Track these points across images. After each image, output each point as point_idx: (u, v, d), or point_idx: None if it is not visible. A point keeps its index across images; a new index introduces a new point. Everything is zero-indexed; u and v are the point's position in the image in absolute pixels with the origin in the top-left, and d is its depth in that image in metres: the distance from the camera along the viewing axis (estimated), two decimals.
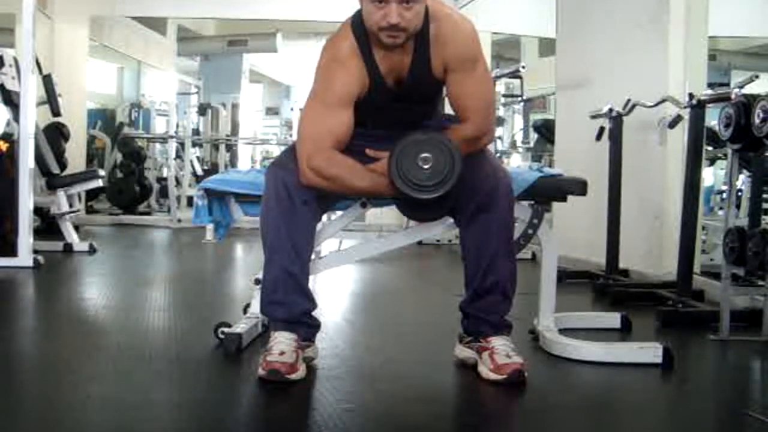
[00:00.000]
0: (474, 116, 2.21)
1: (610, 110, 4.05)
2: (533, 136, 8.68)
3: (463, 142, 2.20)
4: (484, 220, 2.16)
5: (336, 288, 3.92)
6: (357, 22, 2.15)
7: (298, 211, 2.14)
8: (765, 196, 4.02)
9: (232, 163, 10.69)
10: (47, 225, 5.74)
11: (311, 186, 2.14)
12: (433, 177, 2.05)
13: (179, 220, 7.26)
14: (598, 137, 4.18)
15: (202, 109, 10.58)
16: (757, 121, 2.62)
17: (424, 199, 2.07)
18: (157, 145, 9.21)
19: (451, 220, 2.33)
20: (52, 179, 5.30)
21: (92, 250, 5.04)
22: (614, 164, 4.02)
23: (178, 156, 8.65)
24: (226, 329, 2.46)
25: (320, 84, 2.18)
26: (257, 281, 2.42)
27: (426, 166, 2.05)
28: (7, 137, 4.63)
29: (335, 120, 2.14)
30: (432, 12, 2.14)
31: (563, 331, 2.56)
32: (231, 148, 10.79)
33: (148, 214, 8.57)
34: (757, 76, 3.12)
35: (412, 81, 2.20)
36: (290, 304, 2.18)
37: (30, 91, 4.37)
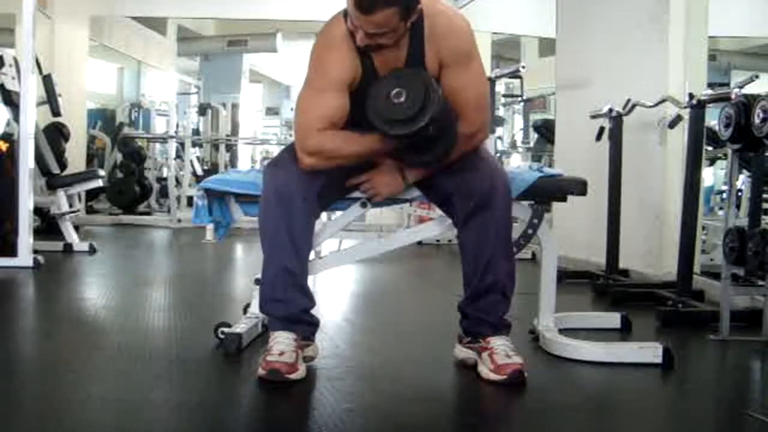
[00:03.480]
0: (468, 112, 2.20)
1: (610, 110, 4.05)
2: (533, 136, 8.69)
3: (458, 139, 2.20)
4: (482, 219, 2.16)
5: (336, 288, 3.92)
6: None
7: (297, 208, 2.14)
8: (765, 196, 4.02)
9: (232, 163, 10.69)
10: (47, 225, 5.74)
11: (313, 169, 2.14)
12: (410, 108, 2.04)
13: (179, 220, 7.26)
14: (598, 137, 4.18)
15: (202, 109, 10.58)
16: (757, 121, 2.62)
17: (411, 132, 2.06)
18: (157, 145, 9.20)
19: (451, 221, 2.33)
20: (52, 179, 5.29)
21: (92, 250, 5.04)
22: (614, 164, 4.02)
23: (178, 156, 8.64)
24: (226, 329, 2.46)
25: (312, 71, 2.19)
26: (257, 281, 2.42)
27: (400, 100, 2.04)
28: (7, 137, 4.63)
29: (327, 104, 2.15)
30: (426, 8, 2.13)
31: (563, 331, 2.56)
32: (231, 148, 10.79)
33: (148, 214, 8.56)
34: (757, 76, 3.12)
35: None
36: (289, 302, 2.18)
37: (30, 91, 4.37)
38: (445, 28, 2.16)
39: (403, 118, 2.05)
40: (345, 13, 2.14)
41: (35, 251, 4.31)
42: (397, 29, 2.07)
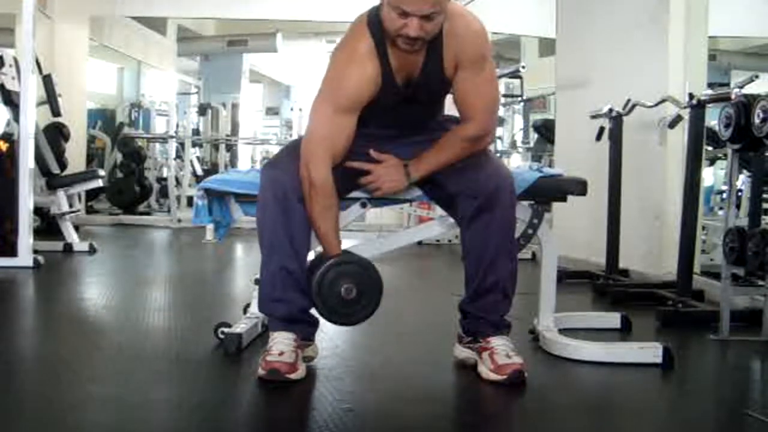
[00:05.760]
0: (478, 115, 2.21)
1: (610, 110, 4.05)
2: (533, 136, 8.69)
3: (465, 142, 2.20)
4: (486, 219, 2.16)
5: None
6: (374, 22, 2.11)
7: (295, 208, 2.13)
8: (765, 196, 4.02)
9: (232, 163, 10.69)
10: (47, 225, 5.74)
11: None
12: (358, 306, 2.16)
13: (179, 220, 7.26)
14: (598, 137, 4.18)
15: (202, 109, 10.58)
16: (757, 121, 2.62)
17: (348, 323, 2.23)
18: (157, 145, 9.20)
19: (451, 220, 2.33)
20: (52, 179, 5.30)
21: (92, 250, 5.04)
22: (614, 164, 4.02)
23: (178, 156, 8.64)
24: (226, 329, 2.46)
25: (333, 83, 2.16)
26: (257, 281, 2.42)
27: (350, 296, 2.14)
28: (7, 137, 4.62)
29: (342, 126, 2.14)
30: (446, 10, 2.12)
31: (563, 331, 2.56)
32: (231, 148, 10.79)
33: (148, 214, 8.57)
34: (757, 76, 3.12)
35: (423, 80, 2.18)
36: (289, 302, 2.18)
37: (30, 91, 4.37)
38: (464, 30, 2.15)
39: (348, 312, 2.17)
40: (369, 22, 2.12)
41: (35, 251, 4.31)
42: (442, 12, 2.05)
